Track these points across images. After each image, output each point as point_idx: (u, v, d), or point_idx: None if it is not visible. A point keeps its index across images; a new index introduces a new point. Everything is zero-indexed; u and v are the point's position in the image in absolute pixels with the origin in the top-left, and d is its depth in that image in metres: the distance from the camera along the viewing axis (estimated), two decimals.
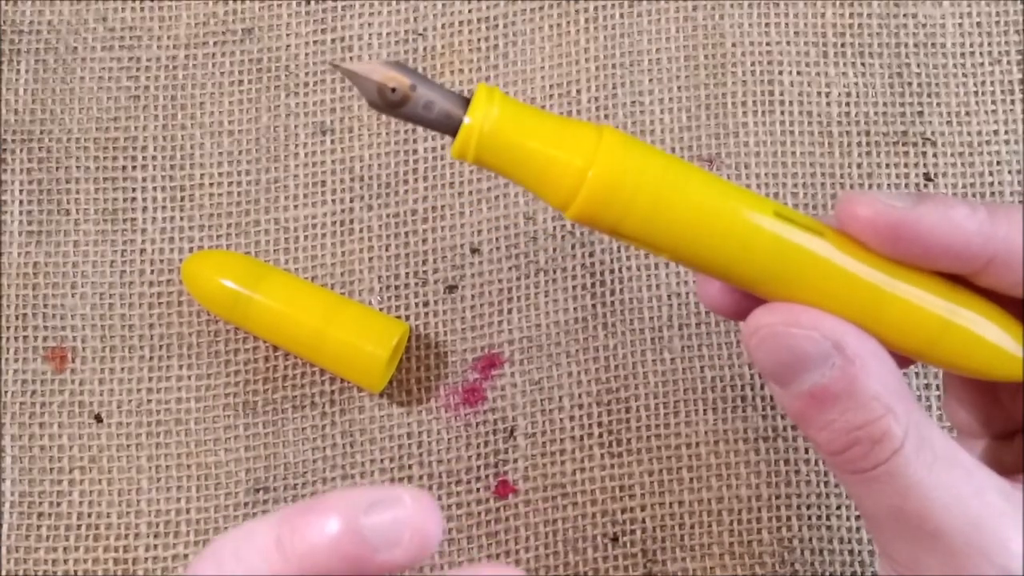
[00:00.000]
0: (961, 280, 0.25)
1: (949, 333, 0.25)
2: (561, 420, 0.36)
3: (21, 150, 0.38)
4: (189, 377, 0.37)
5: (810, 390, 0.24)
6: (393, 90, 0.24)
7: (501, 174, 0.25)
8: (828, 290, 0.25)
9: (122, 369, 0.37)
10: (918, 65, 0.38)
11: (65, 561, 0.35)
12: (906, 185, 0.37)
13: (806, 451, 0.36)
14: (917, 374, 0.36)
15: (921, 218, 0.24)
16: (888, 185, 0.37)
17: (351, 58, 0.39)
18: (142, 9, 0.39)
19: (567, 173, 0.24)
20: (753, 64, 0.38)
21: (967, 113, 0.38)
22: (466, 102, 0.24)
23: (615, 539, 0.35)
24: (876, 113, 0.38)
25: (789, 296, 0.25)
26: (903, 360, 0.27)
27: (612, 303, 0.37)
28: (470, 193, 0.38)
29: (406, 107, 0.24)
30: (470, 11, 0.39)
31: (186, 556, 0.35)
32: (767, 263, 0.24)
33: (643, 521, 0.35)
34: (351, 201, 0.38)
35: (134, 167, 0.38)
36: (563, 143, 0.24)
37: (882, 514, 0.24)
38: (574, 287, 0.37)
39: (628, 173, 0.24)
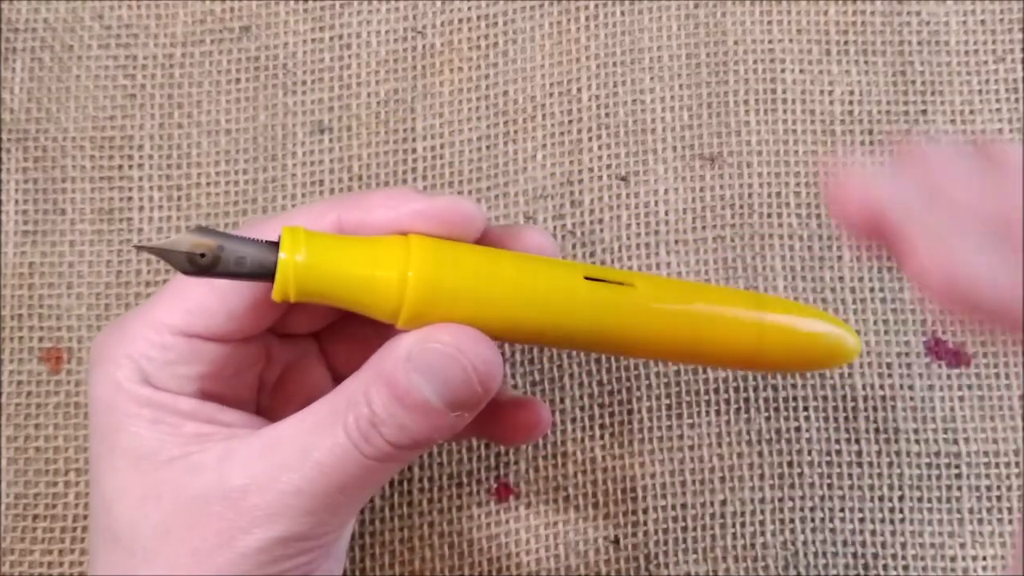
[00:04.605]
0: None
1: (767, 337, 0.28)
2: (563, 422, 0.36)
3: (17, 149, 0.38)
4: None
5: None
6: (202, 255, 0.25)
7: (325, 302, 0.26)
8: (649, 332, 0.27)
9: None
10: (921, 63, 0.38)
11: (61, 564, 0.35)
12: None
13: (809, 453, 0.35)
14: None
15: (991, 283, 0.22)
16: None
17: (349, 57, 0.38)
18: (138, 7, 0.39)
19: (388, 286, 0.25)
20: (755, 62, 0.38)
21: (971, 112, 0.38)
22: (275, 246, 0.25)
23: (616, 542, 0.35)
24: (879, 112, 0.38)
25: (618, 346, 0.28)
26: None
27: None
28: (469, 193, 0.37)
29: (219, 267, 0.25)
30: (470, 8, 0.39)
31: None
32: (588, 324, 0.27)
33: (645, 524, 0.35)
34: None
35: (130, 166, 0.38)
36: (376, 259, 0.25)
37: None
38: None
39: (444, 271, 0.25)
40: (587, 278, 0.27)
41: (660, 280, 0.28)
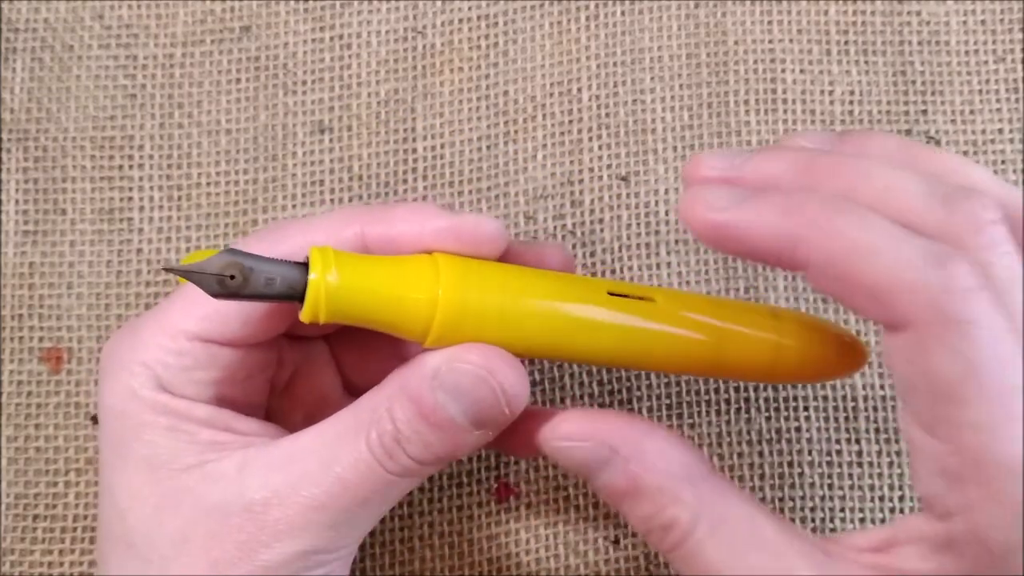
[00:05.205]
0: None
1: (783, 352, 0.28)
2: None
3: (17, 149, 0.38)
4: None
5: (603, 487, 0.26)
6: (232, 277, 0.24)
7: (352, 323, 0.26)
8: (670, 349, 0.27)
9: None
10: (922, 63, 0.38)
11: (61, 564, 0.35)
12: None
13: (809, 453, 0.35)
14: None
15: (738, 222, 0.25)
16: None
17: (350, 57, 0.38)
18: (139, 7, 0.39)
19: (417, 308, 0.25)
20: (756, 62, 0.38)
21: (971, 112, 0.38)
22: (304, 267, 0.25)
23: (616, 542, 0.35)
24: (880, 112, 0.38)
25: (641, 362, 0.28)
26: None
27: None
28: (469, 192, 0.37)
29: (249, 288, 0.25)
30: (470, 8, 0.39)
31: None
32: (612, 342, 0.27)
33: None
34: (350, 200, 0.37)
35: (131, 166, 0.38)
36: (404, 280, 0.25)
37: None
38: None
39: (471, 292, 0.26)
40: (610, 294, 0.27)
41: (679, 295, 0.28)
